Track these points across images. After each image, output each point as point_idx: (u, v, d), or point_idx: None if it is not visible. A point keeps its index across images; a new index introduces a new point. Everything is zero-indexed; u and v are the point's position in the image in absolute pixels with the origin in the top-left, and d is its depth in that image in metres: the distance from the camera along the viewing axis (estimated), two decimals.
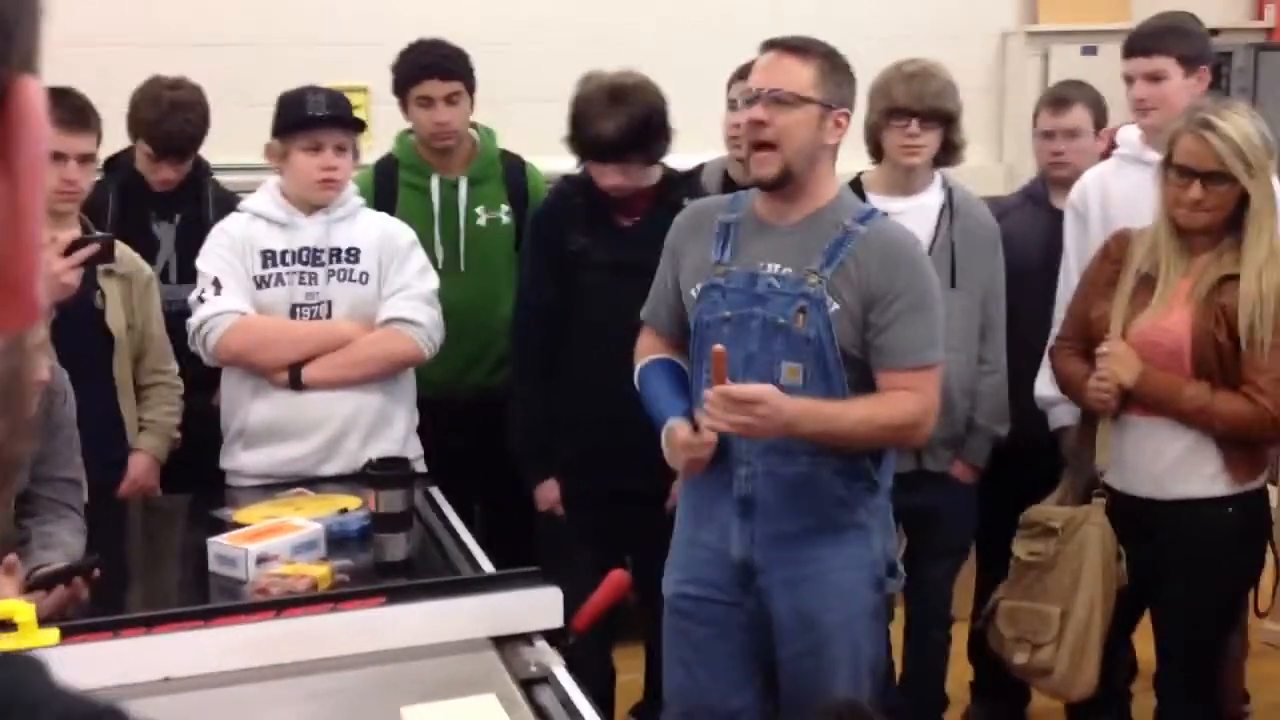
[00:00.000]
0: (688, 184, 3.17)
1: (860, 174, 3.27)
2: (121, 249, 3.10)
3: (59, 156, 2.97)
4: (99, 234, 2.95)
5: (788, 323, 2.42)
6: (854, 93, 2.52)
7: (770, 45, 2.48)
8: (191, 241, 3.40)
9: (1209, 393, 2.72)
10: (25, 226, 0.43)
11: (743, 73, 3.41)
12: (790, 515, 2.48)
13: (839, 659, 2.51)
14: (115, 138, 3.41)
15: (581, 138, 3.04)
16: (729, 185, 3.37)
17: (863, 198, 2.89)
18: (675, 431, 2.48)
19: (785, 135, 2.41)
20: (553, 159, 3.37)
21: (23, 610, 1.81)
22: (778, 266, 2.46)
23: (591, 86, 3.05)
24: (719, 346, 2.36)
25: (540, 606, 2.12)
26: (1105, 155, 3.44)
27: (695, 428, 2.45)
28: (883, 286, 2.42)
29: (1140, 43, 3.20)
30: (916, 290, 2.46)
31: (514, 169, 3.63)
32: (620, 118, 2.97)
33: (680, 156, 3.24)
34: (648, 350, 2.66)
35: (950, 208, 3.18)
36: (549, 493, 3.17)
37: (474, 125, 3.62)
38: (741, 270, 2.49)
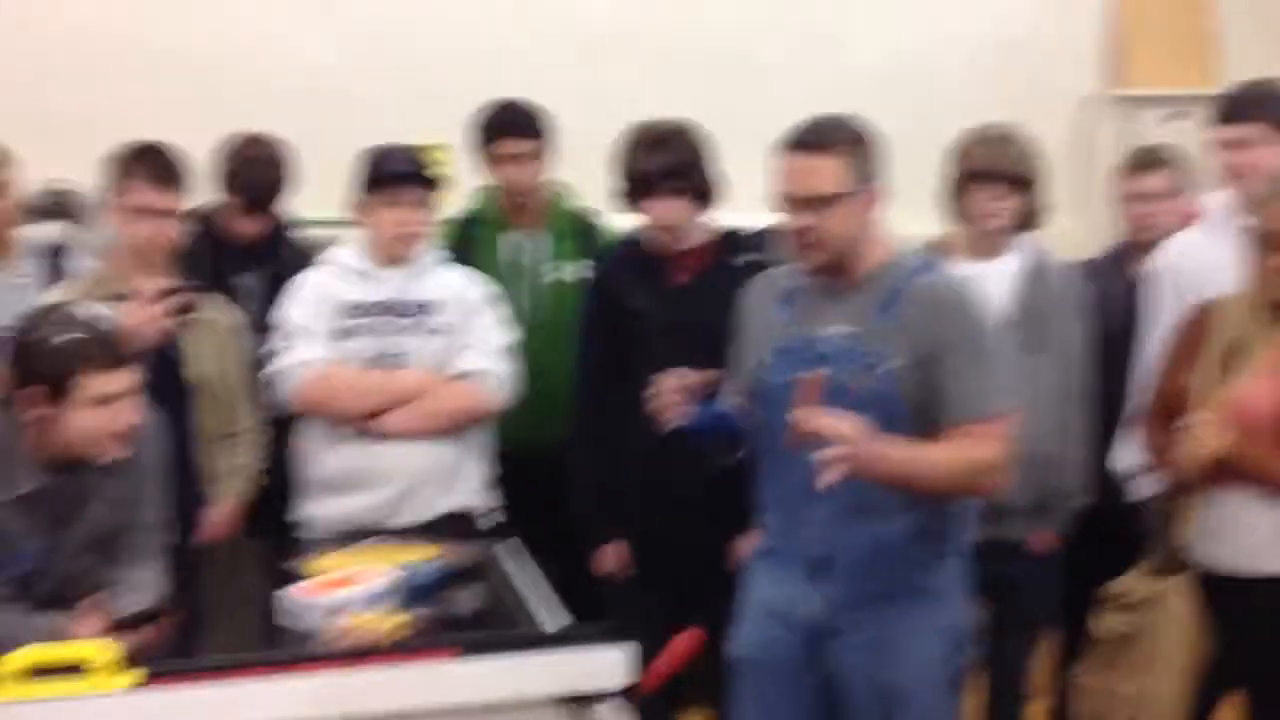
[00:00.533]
0: (739, 240, 3.14)
1: (941, 237, 3.25)
2: (208, 299, 3.15)
3: (150, 211, 3.03)
4: (187, 284, 3.00)
5: (852, 382, 2.41)
6: (882, 162, 2.49)
7: (790, 144, 2.45)
8: (270, 294, 3.46)
9: None
10: None
11: None
12: (863, 578, 2.46)
13: None
14: (201, 190, 3.48)
15: (622, 176, 3.04)
16: None
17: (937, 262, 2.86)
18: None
19: (826, 234, 2.42)
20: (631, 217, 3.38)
21: (103, 652, 1.82)
22: (838, 328, 2.46)
23: (633, 129, 3.07)
24: (817, 374, 2.33)
25: (611, 665, 2.11)
26: (1190, 222, 3.39)
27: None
28: (933, 339, 2.41)
29: (1230, 108, 3.16)
30: (976, 340, 2.44)
31: (588, 225, 3.66)
32: (662, 150, 2.99)
33: (741, 215, 3.23)
34: None
35: (1032, 271, 3.15)
36: (612, 555, 3.14)
37: (551, 182, 3.65)
38: (804, 333, 2.49)
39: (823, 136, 2.43)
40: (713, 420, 2.52)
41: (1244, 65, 4.28)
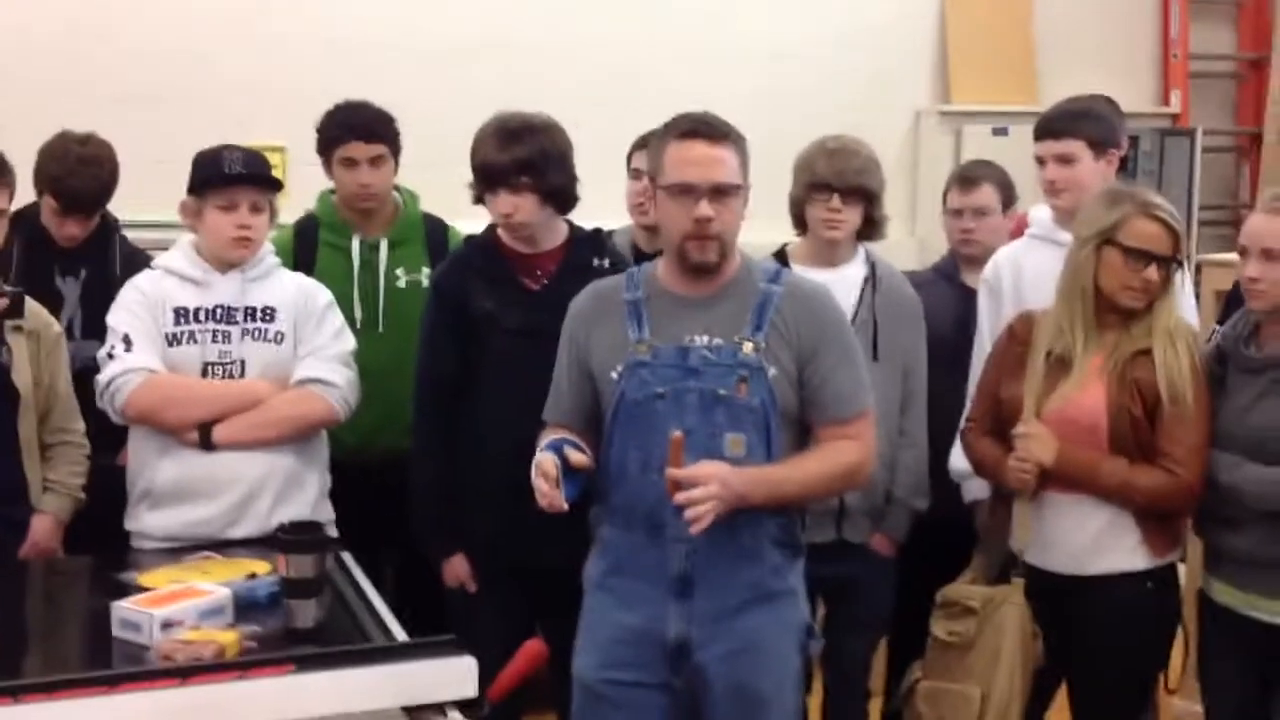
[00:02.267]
0: (594, 243, 3.10)
1: (785, 245, 3.31)
2: (30, 304, 3.04)
3: None
4: (9, 289, 2.89)
5: (729, 393, 2.42)
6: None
7: (692, 133, 2.44)
8: (97, 298, 3.35)
9: (1127, 467, 2.77)
10: None
11: (643, 143, 3.44)
12: (732, 588, 2.47)
13: None
14: (21, 192, 3.35)
15: (475, 167, 2.98)
16: (639, 255, 3.38)
17: (786, 267, 2.92)
18: (542, 464, 2.41)
19: (724, 227, 2.45)
20: (476, 222, 3.36)
21: None
22: (707, 338, 2.46)
23: (490, 120, 3.01)
24: (678, 433, 2.34)
25: (454, 676, 2.10)
26: (1015, 235, 3.52)
27: (565, 466, 2.40)
28: (815, 341, 2.47)
29: (1052, 125, 3.28)
30: (844, 339, 2.54)
31: (436, 231, 3.62)
32: (515, 143, 2.92)
33: (585, 222, 3.23)
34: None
35: (873, 280, 3.22)
36: (457, 569, 3.07)
37: (397, 188, 3.61)
38: (669, 345, 2.48)
39: (722, 128, 2.45)
40: (579, 486, 2.45)
41: (1062, 84, 4.46)
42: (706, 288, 2.50)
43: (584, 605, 2.61)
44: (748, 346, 2.44)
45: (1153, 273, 2.77)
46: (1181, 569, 3.02)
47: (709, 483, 2.32)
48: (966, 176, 3.70)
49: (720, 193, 2.43)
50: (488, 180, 2.96)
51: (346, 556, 2.86)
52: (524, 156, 2.92)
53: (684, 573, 2.46)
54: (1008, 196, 3.68)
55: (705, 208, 2.42)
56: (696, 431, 2.41)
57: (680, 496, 2.33)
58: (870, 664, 3.38)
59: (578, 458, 2.41)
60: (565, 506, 2.37)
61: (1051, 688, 3.00)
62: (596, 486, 2.54)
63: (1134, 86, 5.63)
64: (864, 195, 3.19)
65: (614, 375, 2.50)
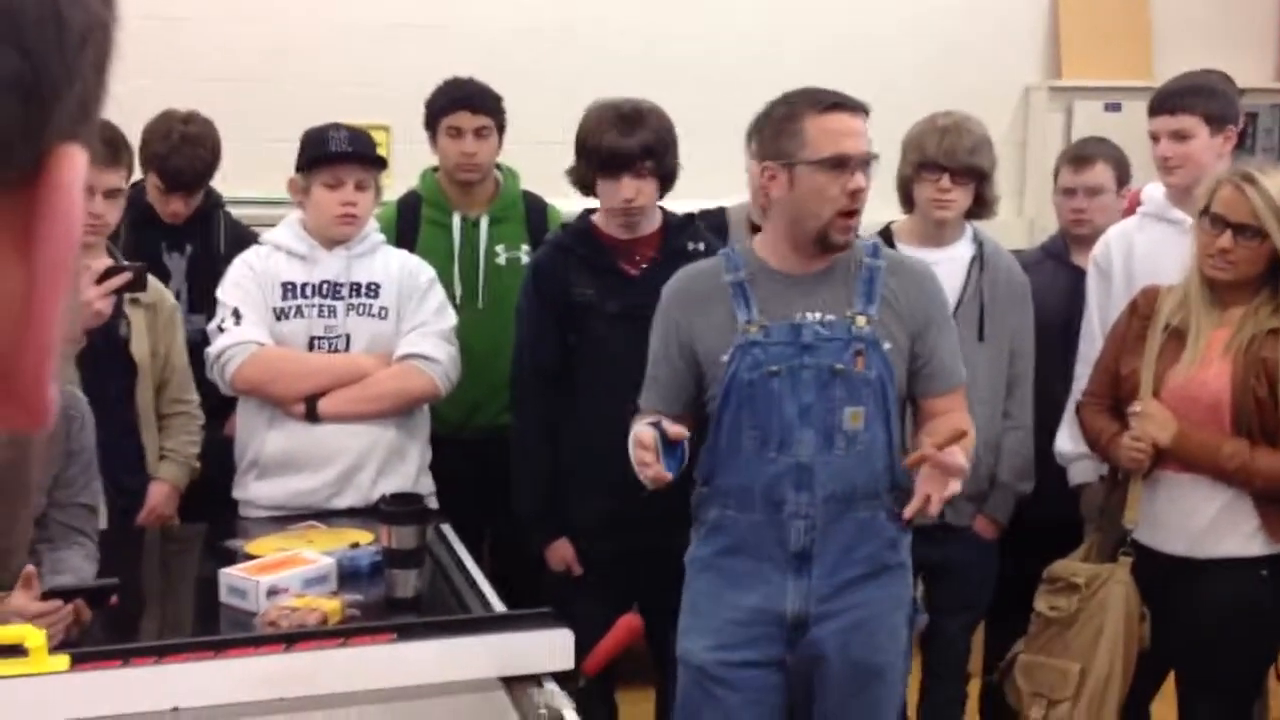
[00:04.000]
0: (689, 228, 3.11)
1: (890, 223, 3.27)
2: (149, 278, 3.12)
3: (89, 190, 2.98)
4: (130, 263, 2.97)
5: (846, 367, 2.43)
6: None
7: (838, 105, 2.45)
8: (202, 273, 3.43)
9: (1248, 449, 2.69)
10: (37, 326, 0.37)
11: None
12: (850, 563, 2.48)
13: (884, 699, 2.53)
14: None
15: (591, 152, 2.98)
16: (757, 231, 3.36)
17: (892, 246, 2.89)
18: (640, 436, 2.38)
19: (862, 200, 2.46)
20: (575, 201, 3.37)
21: (34, 635, 1.80)
22: (818, 315, 2.46)
23: (600, 107, 3.03)
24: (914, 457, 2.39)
25: (551, 648, 2.11)
26: (1128, 213, 3.44)
27: (665, 439, 2.37)
28: (924, 314, 2.51)
29: (1166, 101, 3.20)
30: (945, 311, 2.60)
31: (535, 210, 3.65)
32: (637, 128, 2.95)
33: (682, 202, 3.22)
34: None
35: (980, 260, 3.17)
36: (562, 552, 3.09)
37: (498, 166, 3.64)
38: (781, 323, 2.47)
39: (858, 101, 2.47)
40: (680, 462, 2.42)
41: (1177, 59, 4.34)
42: (815, 264, 2.49)
43: (689, 588, 2.58)
44: (861, 320, 2.45)
45: (1227, 240, 2.68)
46: None
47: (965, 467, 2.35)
48: (1080, 155, 3.61)
49: (866, 165, 2.45)
50: (611, 165, 2.96)
51: (446, 528, 2.89)
52: (649, 142, 2.94)
53: (803, 549, 2.46)
54: (1122, 175, 3.58)
55: (860, 179, 2.43)
56: (814, 407, 2.43)
57: (942, 455, 2.31)
58: (969, 645, 3.35)
59: (675, 429, 2.39)
60: (669, 477, 2.36)
61: (1159, 672, 2.94)
62: (701, 470, 2.52)
63: (1251, 62, 5.45)
64: (975, 175, 3.13)
65: (724, 358, 2.48)
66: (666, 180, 3.02)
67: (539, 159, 3.51)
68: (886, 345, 2.45)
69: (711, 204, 3.55)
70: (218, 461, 3.19)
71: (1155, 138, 3.20)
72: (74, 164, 0.38)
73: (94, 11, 0.39)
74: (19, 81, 0.35)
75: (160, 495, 3.16)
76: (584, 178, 3.04)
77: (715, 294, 2.52)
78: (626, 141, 2.93)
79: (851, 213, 2.44)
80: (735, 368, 2.46)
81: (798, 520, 2.45)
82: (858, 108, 2.46)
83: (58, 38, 0.37)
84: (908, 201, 3.22)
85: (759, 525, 2.47)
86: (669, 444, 2.39)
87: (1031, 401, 3.21)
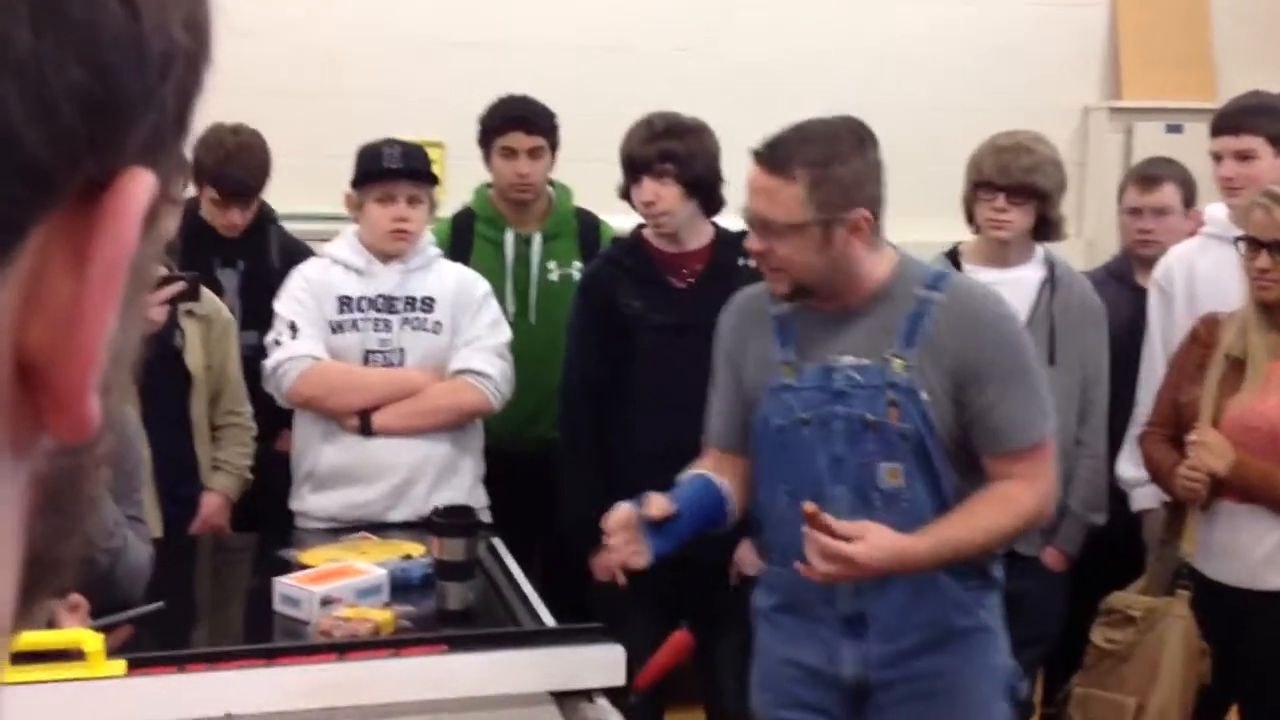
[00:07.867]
0: (739, 245, 3.09)
1: (958, 244, 3.22)
2: (203, 291, 3.15)
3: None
4: (185, 273, 2.99)
5: (879, 419, 2.17)
6: (873, 179, 2.20)
7: (755, 157, 2.18)
8: (255, 287, 3.45)
9: None
10: (85, 336, 0.37)
11: None
12: (909, 627, 2.24)
13: None
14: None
15: (622, 158, 3.03)
16: None
17: (958, 267, 2.83)
18: (615, 516, 2.19)
19: (787, 262, 2.18)
20: (628, 218, 3.37)
21: (92, 640, 1.81)
22: (852, 358, 2.20)
23: (645, 118, 3.07)
24: (810, 505, 2.08)
25: (602, 663, 2.11)
26: (1193, 235, 3.39)
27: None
28: (975, 359, 2.16)
29: (1229, 121, 3.16)
30: (1016, 357, 2.20)
31: (588, 226, 3.65)
32: (661, 135, 2.97)
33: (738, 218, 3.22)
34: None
35: (1052, 282, 3.10)
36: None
37: (551, 182, 3.65)
38: (814, 366, 2.23)
39: (786, 156, 2.15)
40: (675, 539, 2.21)
41: (1239, 80, 4.29)
42: (852, 301, 2.23)
43: (756, 637, 2.46)
44: (896, 364, 2.17)
45: (1265, 260, 2.64)
46: None
47: (852, 546, 2.05)
48: (1147, 175, 3.55)
49: (773, 228, 2.18)
50: (632, 169, 2.99)
51: (498, 542, 2.89)
52: (670, 147, 2.96)
53: (854, 611, 2.25)
54: (1189, 195, 3.52)
55: (754, 241, 2.24)
56: (846, 461, 2.20)
57: (816, 540, 2.06)
58: (1035, 680, 3.24)
59: (656, 509, 2.16)
60: (642, 562, 2.17)
61: (1221, 706, 2.88)
62: (754, 516, 2.40)
63: None
64: (1033, 194, 3.05)
65: (757, 398, 2.31)
66: (695, 188, 2.99)
67: (592, 175, 3.51)
68: (924, 395, 2.15)
69: None
70: (273, 473, 3.21)
71: (1218, 158, 3.17)
72: (142, 187, 0.38)
73: (178, 42, 0.39)
74: (85, 94, 0.36)
75: (213, 505, 3.19)
76: (623, 188, 3.08)
77: (761, 324, 2.32)
78: (646, 146, 2.97)
79: (771, 269, 2.20)
80: (766, 412, 2.26)
81: (837, 585, 2.20)
82: (768, 163, 2.16)
83: (137, 60, 0.37)
84: (973, 222, 3.19)
85: (805, 584, 2.19)
86: (659, 520, 2.18)
87: (1105, 429, 3.12)
